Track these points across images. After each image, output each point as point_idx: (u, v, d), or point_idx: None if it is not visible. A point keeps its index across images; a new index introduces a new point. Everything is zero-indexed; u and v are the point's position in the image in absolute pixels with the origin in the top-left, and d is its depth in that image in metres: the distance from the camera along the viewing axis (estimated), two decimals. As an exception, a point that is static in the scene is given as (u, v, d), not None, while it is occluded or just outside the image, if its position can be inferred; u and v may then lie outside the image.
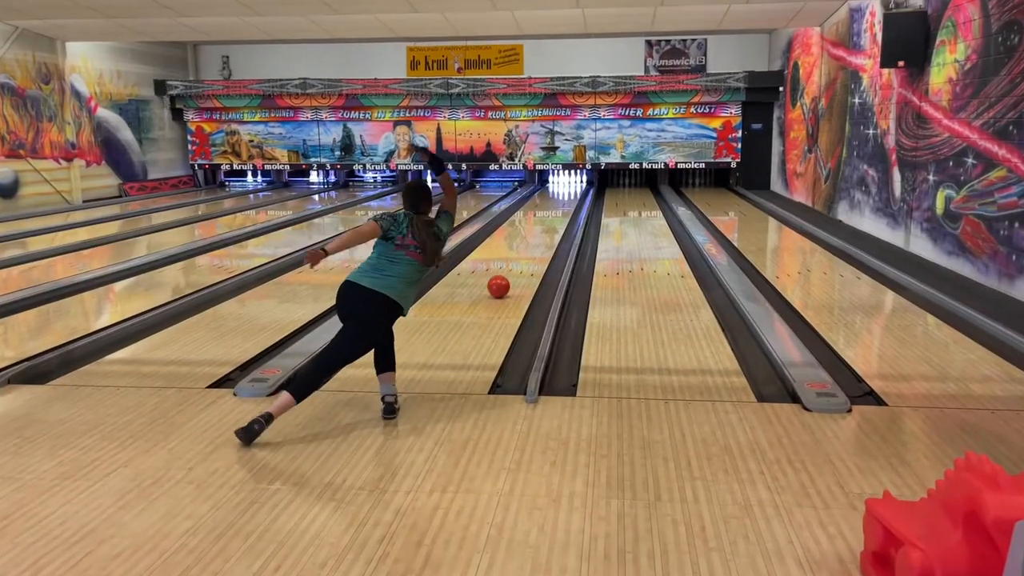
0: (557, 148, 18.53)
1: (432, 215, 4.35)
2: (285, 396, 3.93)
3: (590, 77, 17.56)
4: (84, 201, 15.82)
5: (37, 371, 5.07)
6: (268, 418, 3.85)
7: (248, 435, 3.82)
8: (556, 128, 18.45)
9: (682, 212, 13.49)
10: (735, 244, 10.39)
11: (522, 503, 3.23)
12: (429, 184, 4.36)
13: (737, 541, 2.93)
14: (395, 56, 18.69)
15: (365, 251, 4.35)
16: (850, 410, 4.25)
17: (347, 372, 4.97)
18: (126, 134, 17.47)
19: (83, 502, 3.30)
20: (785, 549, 2.88)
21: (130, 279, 8.40)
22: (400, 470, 3.57)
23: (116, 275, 8.49)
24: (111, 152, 16.99)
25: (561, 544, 2.92)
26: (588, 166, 18.56)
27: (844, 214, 12.05)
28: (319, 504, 3.26)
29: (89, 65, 16.33)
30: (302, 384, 4.01)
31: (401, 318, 4.22)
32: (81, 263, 9.30)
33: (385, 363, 4.27)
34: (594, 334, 5.92)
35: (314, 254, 4.01)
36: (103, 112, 16.76)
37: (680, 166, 18.28)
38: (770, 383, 4.80)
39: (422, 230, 4.17)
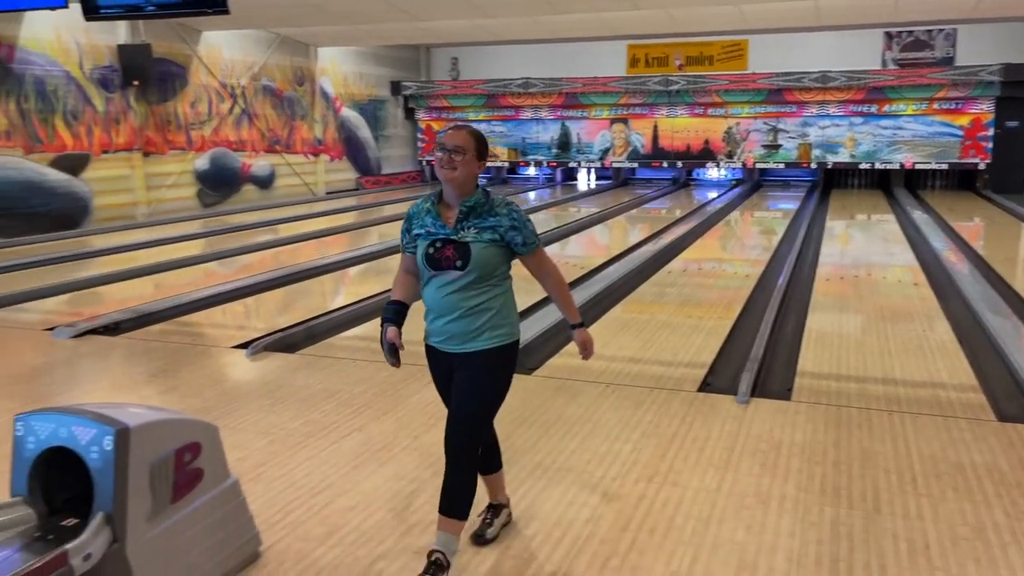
0: (780, 146, 17.77)
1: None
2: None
3: (819, 72, 16.66)
4: (327, 193, 17.36)
5: (287, 342, 5.68)
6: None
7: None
8: (780, 125, 17.70)
9: (918, 216, 12.47)
10: (980, 252, 9.47)
11: (729, 501, 3.20)
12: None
13: (966, 564, 2.72)
14: (615, 54, 18.77)
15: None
16: (1113, 439, 3.79)
17: (556, 360, 5.14)
18: (364, 132, 18.94)
19: (323, 459, 3.68)
20: (1023, 580, 2.64)
21: (363, 265, 9.14)
22: (607, 457, 3.65)
23: (351, 261, 9.27)
24: (351, 148, 18.51)
25: (769, 545, 2.86)
26: (813, 165, 17.65)
27: (1118, 223, 10.59)
28: (529, 481, 3.42)
29: (336, 68, 17.88)
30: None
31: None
32: (322, 249, 10.24)
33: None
34: (813, 339, 5.67)
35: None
36: (346, 111, 18.28)
37: (919, 167, 16.89)
38: (1013, 401, 4.37)
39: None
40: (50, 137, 11.60)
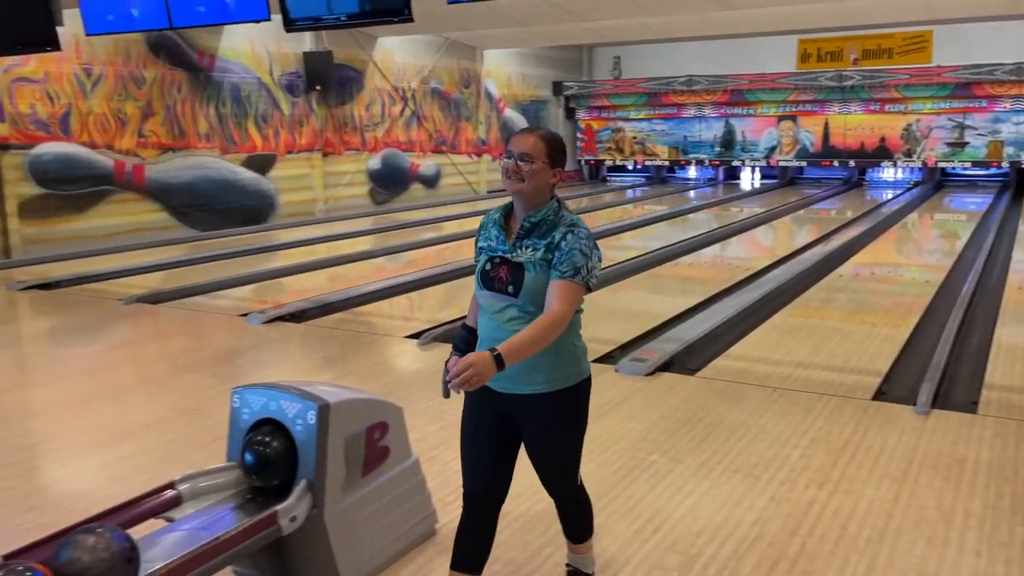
0: (966, 144, 16.52)
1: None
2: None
3: (1015, 64, 15.34)
4: (488, 192, 17.81)
5: (454, 334, 5.90)
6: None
7: None
8: (967, 121, 16.45)
9: None
10: None
11: (907, 513, 3.07)
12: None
13: None
14: (784, 49, 18.06)
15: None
16: None
17: (720, 362, 5.08)
18: (525, 132, 19.27)
19: (491, 446, 3.83)
20: None
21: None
22: (775, 461, 3.59)
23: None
24: (512, 148, 18.87)
25: (952, 562, 2.73)
26: (1005, 164, 16.28)
27: None
28: (694, 480, 3.42)
29: (500, 70, 18.31)
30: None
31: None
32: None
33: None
34: (1003, 350, 5.29)
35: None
36: (508, 112, 18.68)
37: None
38: None
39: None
40: (243, 139, 12.62)
